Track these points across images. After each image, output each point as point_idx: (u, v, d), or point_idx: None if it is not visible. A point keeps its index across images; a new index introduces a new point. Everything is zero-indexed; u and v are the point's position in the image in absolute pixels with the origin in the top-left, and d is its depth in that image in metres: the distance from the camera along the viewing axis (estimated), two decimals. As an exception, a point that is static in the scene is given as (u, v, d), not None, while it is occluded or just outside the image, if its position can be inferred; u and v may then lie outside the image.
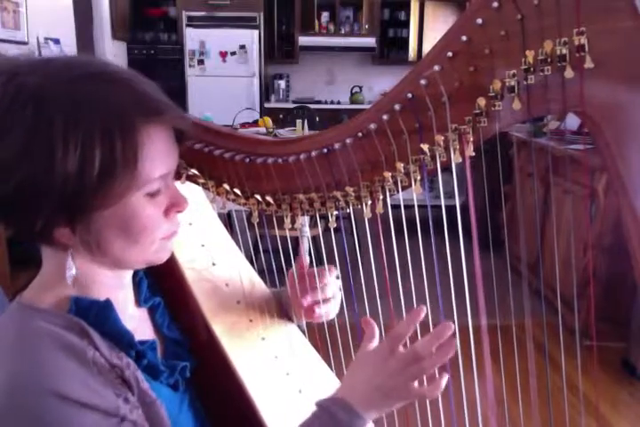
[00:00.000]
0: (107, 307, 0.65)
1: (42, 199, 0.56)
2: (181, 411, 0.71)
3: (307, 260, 0.89)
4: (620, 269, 2.47)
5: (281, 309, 0.93)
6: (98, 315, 0.64)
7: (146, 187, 0.60)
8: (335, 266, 0.88)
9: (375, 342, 0.72)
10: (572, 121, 3.11)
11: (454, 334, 0.67)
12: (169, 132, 0.62)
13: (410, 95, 0.67)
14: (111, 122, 0.55)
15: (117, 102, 0.56)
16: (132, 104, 0.57)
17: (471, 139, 0.67)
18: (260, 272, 0.95)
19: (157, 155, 0.60)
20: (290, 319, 0.93)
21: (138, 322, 0.72)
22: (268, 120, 3.72)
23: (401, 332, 0.68)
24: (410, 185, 0.71)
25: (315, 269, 0.86)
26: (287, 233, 0.79)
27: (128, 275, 0.70)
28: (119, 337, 0.64)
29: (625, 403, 2.28)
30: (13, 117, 0.54)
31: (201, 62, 5.88)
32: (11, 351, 0.58)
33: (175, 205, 0.65)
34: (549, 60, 0.60)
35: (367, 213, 0.74)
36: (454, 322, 0.74)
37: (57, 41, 4.05)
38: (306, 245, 2.57)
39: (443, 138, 0.67)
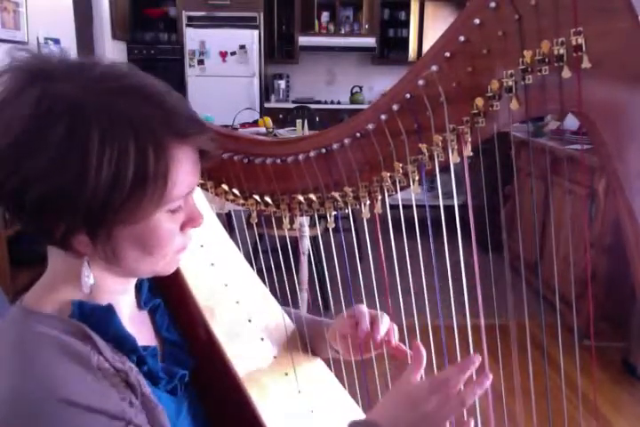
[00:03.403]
0: (109, 311, 0.64)
1: (68, 209, 0.56)
2: (180, 416, 0.71)
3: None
4: (619, 268, 2.47)
5: (279, 309, 0.93)
6: (100, 319, 0.63)
7: (170, 204, 0.61)
8: (335, 265, 0.88)
9: (418, 375, 0.72)
10: (572, 121, 3.11)
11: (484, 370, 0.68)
12: (195, 153, 0.63)
13: (408, 95, 0.67)
14: (146, 139, 0.56)
15: (153, 121, 0.57)
16: (167, 123, 0.57)
17: (469, 139, 0.67)
18: (260, 272, 0.95)
19: (185, 174, 0.61)
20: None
21: (139, 325, 0.72)
22: (268, 120, 3.71)
23: (448, 377, 0.68)
24: (408, 185, 0.71)
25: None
26: (286, 233, 0.79)
27: (133, 281, 0.71)
28: (122, 341, 0.64)
29: (625, 403, 2.27)
30: (49, 127, 0.54)
31: (201, 62, 5.88)
32: (13, 358, 0.58)
33: (192, 220, 0.65)
34: (547, 60, 0.60)
35: (366, 213, 0.74)
36: (453, 322, 0.74)
37: (57, 41, 4.05)
38: (305, 245, 2.57)
39: (441, 138, 0.67)
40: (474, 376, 0.69)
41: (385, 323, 0.82)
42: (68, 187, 0.54)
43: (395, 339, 0.84)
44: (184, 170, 0.60)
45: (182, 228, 0.65)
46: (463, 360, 0.68)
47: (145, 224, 0.60)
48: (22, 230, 0.61)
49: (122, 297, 0.69)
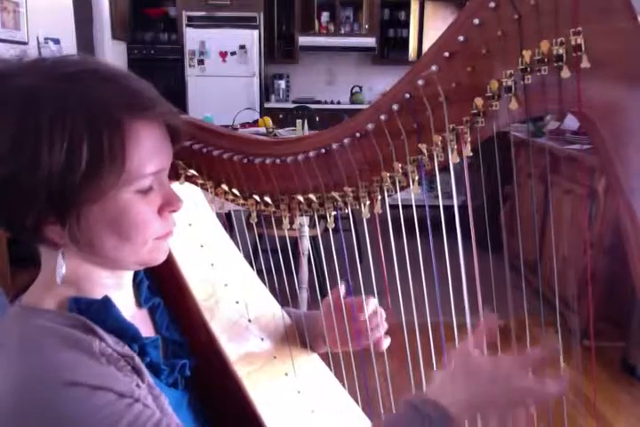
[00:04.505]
0: (106, 303, 0.65)
1: (28, 195, 0.56)
2: (180, 410, 0.71)
3: (342, 290, 0.89)
4: (619, 268, 2.47)
5: (279, 309, 0.93)
6: (98, 312, 0.64)
7: (136, 183, 0.60)
8: (334, 266, 0.88)
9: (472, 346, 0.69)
10: (572, 121, 3.11)
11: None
12: (160, 129, 0.63)
13: (408, 95, 0.67)
14: (97, 117, 0.56)
15: (104, 98, 0.57)
16: (119, 100, 0.58)
17: (469, 139, 0.67)
18: (260, 272, 0.95)
19: (147, 151, 0.60)
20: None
21: (139, 323, 0.72)
22: (268, 120, 3.72)
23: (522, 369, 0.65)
24: (408, 185, 0.71)
25: (353, 299, 0.87)
26: (286, 233, 0.79)
27: (127, 275, 0.70)
28: (123, 331, 0.64)
29: (625, 403, 2.27)
30: (2, 115, 0.56)
31: (201, 62, 5.88)
32: (16, 352, 0.58)
33: (168, 203, 0.64)
34: (546, 60, 0.60)
35: (365, 213, 0.74)
36: (453, 322, 0.74)
37: (57, 41, 4.04)
38: (305, 245, 2.57)
39: (440, 138, 0.67)
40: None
41: (372, 304, 0.87)
42: (24, 171, 0.55)
43: (382, 323, 0.87)
44: (145, 144, 0.60)
45: (160, 212, 0.64)
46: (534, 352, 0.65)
47: (114, 206, 0.59)
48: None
49: (118, 293, 0.69)
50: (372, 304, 0.88)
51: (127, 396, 0.58)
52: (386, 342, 0.88)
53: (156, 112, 0.61)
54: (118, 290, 0.69)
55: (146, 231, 0.63)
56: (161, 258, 0.68)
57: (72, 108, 0.55)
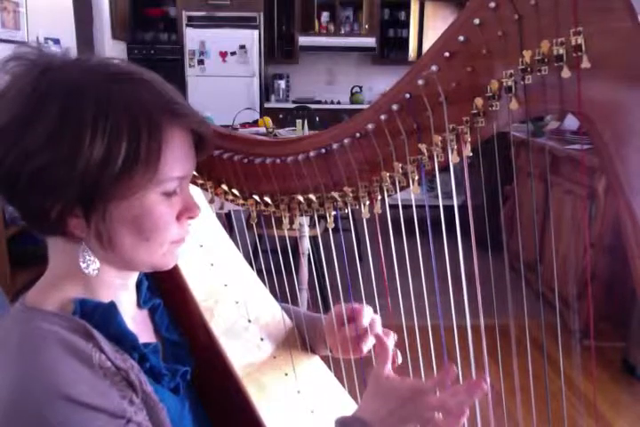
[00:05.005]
0: (111, 309, 0.65)
1: (61, 186, 0.57)
2: (182, 415, 0.71)
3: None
4: (619, 268, 2.47)
5: (279, 309, 0.93)
6: (102, 317, 0.64)
7: (163, 185, 0.62)
8: (334, 266, 0.88)
9: (387, 367, 0.74)
10: (572, 121, 3.11)
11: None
12: (189, 137, 0.65)
13: (408, 95, 0.67)
14: (139, 117, 0.58)
15: (146, 101, 0.59)
16: (160, 104, 0.60)
17: (469, 139, 0.67)
18: (260, 272, 0.95)
19: (178, 155, 0.62)
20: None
21: (140, 324, 0.72)
22: (268, 120, 3.72)
23: (423, 390, 0.69)
24: (408, 185, 0.71)
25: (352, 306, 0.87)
26: (286, 233, 0.79)
27: (133, 276, 0.71)
28: (123, 339, 0.64)
29: (625, 403, 2.27)
30: (45, 105, 0.57)
31: (201, 62, 5.88)
32: (16, 354, 0.58)
33: (188, 210, 0.66)
34: (546, 60, 0.60)
35: (365, 213, 0.74)
36: (453, 322, 0.74)
37: (57, 41, 4.05)
38: (305, 245, 2.57)
39: (440, 138, 0.67)
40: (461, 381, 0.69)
41: (368, 314, 0.86)
42: (63, 161, 0.56)
43: (379, 330, 0.86)
44: (177, 149, 0.62)
45: (179, 217, 0.65)
46: (439, 373, 0.69)
47: (139, 204, 0.61)
48: (19, 215, 0.62)
49: (123, 293, 0.69)
50: (367, 313, 0.87)
51: (119, 417, 0.58)
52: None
53: (190, 120, 0.63)
54: (123, 291, 0.69)
55: (165, 234, 0.64)
56: (171, 263, 0.69)
57: (115, 107, 0.57)
